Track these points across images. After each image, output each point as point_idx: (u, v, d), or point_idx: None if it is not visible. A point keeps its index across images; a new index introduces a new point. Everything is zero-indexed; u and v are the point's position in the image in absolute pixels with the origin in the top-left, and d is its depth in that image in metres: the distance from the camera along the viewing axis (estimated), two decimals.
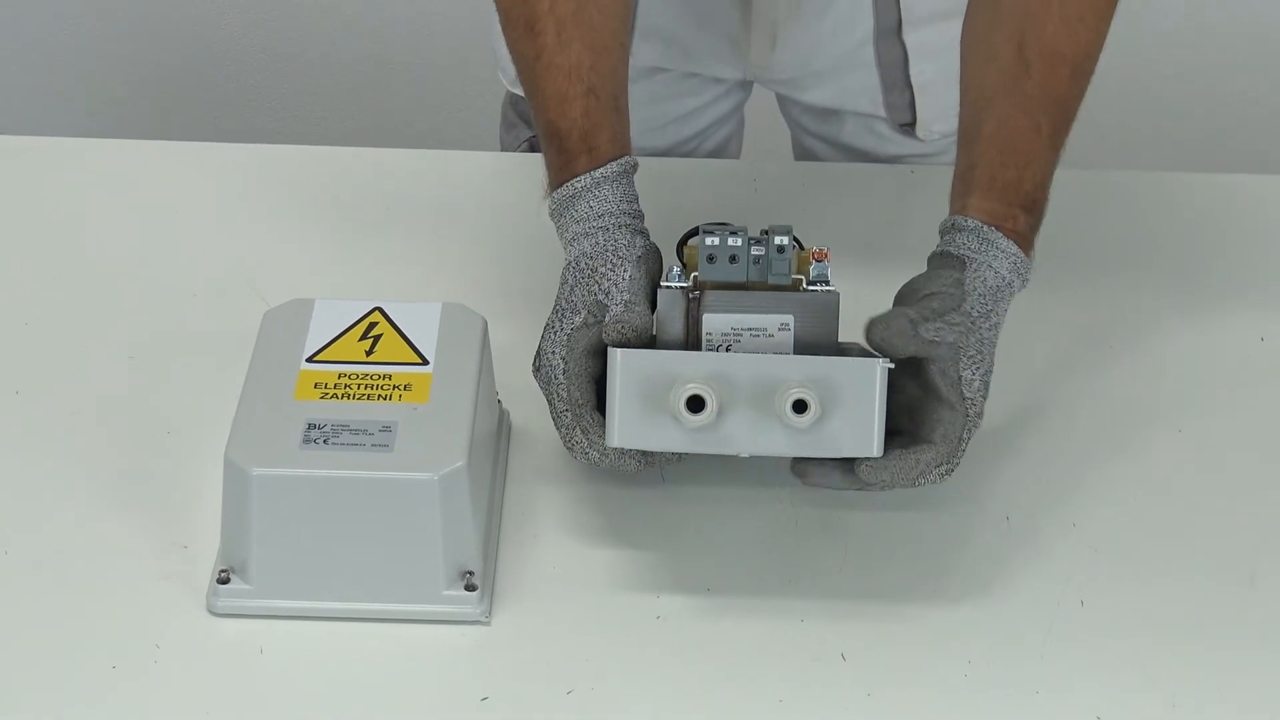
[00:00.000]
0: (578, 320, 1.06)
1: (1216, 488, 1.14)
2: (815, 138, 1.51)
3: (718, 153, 1.53)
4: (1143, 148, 2.18)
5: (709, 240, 1.04)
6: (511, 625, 1.03)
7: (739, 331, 1.04)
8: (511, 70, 1.47)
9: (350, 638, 1.02)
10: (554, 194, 1.11)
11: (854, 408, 1.00)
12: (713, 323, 1.04)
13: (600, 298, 1.06)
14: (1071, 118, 1.11)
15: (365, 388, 1.04)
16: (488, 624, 1.03)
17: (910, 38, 1.40)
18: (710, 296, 1.04)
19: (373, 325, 1.08)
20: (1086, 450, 1.16)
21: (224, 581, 1.02)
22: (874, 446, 1.00)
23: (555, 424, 1.06)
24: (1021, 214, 1.09)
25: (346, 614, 1.02)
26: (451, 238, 1.32)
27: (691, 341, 1.04)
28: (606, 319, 1.04)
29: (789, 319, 1.04)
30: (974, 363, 1.04)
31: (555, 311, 1.07)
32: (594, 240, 1.08)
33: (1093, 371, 1.21)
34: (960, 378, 1.03)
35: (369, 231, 1.33)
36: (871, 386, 1.00)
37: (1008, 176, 1.09)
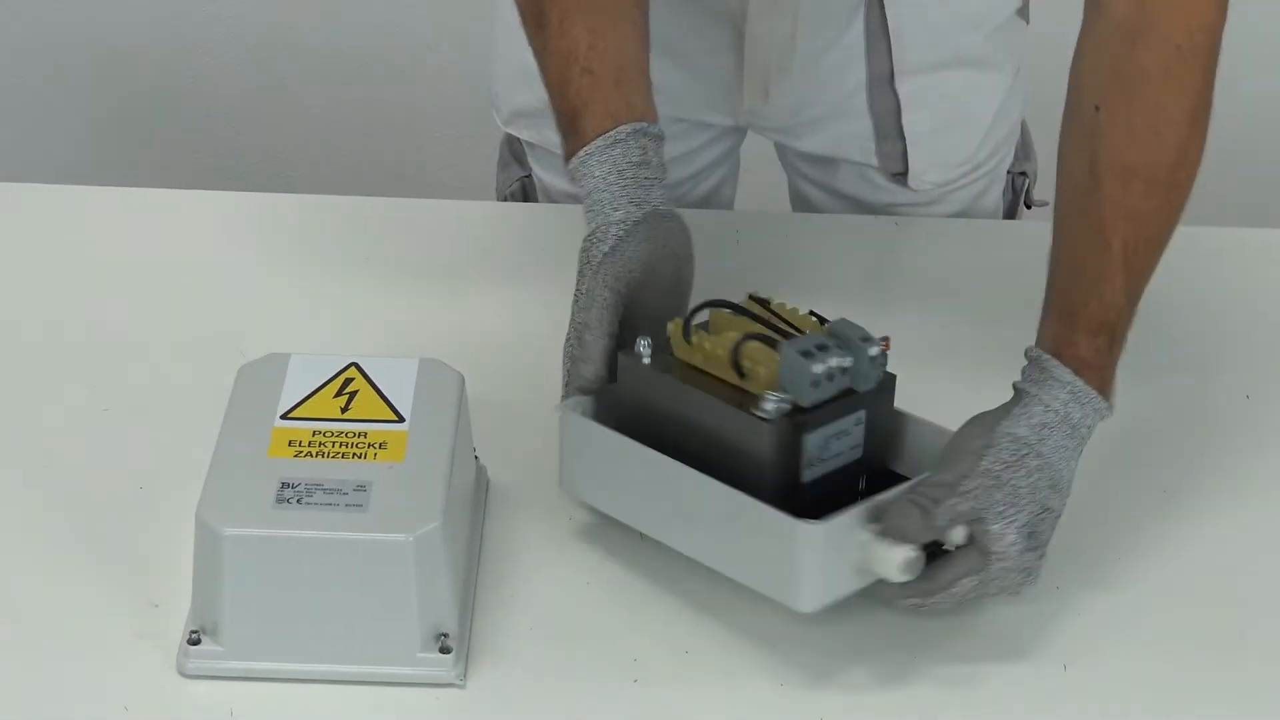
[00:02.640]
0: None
1: (1203, 548, 1.13)
2: (811, 184, 1.50)
3: (712, 196, 1.53)
4: None
5: (816, 369, 0.99)
6: (487, 688, 1.01)
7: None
8: (506, 109, 1.47)
9: (323, 700, 1.00)
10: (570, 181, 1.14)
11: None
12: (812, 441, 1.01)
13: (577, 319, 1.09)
14: (1154, 232, 1.06)
15: (340, 445, 1.03)
16: (463, 687, 1.01)
17: (903, 87, 1.40)
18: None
19: (349, 381, 1.07)
20: (1071, 511, 1.14)
21: (195, 642, 1.01)
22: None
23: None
24: (1084, 338, 1.05)
25: (319, 676, 1.01)
26: (431, 290, 1.31)
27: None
28: (568, 351, 1.08)
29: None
30: (1004, 516, 1.00)
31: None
32: (588, 229, 1.11)
33: None
34: (988, 532, 1.00)
35: (349, 282, 1.31)
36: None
37: (1073, 300, 1.05)
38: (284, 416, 1.05)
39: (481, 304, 1.29)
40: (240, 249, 1.35)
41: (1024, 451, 1.02)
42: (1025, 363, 1.07)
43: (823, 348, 1.00)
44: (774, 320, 1.05)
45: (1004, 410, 1.04)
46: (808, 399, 1.00)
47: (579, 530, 1.11)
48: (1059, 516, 1.04)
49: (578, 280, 1.10)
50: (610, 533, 1.10)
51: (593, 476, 1.07)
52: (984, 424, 1.03)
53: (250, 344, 1.19)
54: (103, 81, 2.46)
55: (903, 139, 1.43)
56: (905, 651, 1.04)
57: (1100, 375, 1.05)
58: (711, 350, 1.03)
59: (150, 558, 1.08)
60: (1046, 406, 1.03)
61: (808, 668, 1.03)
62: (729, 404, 1.01)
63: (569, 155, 1.13)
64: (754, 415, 1.00)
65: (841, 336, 1.02)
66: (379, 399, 1.06)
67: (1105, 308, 1.05)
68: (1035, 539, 1.02)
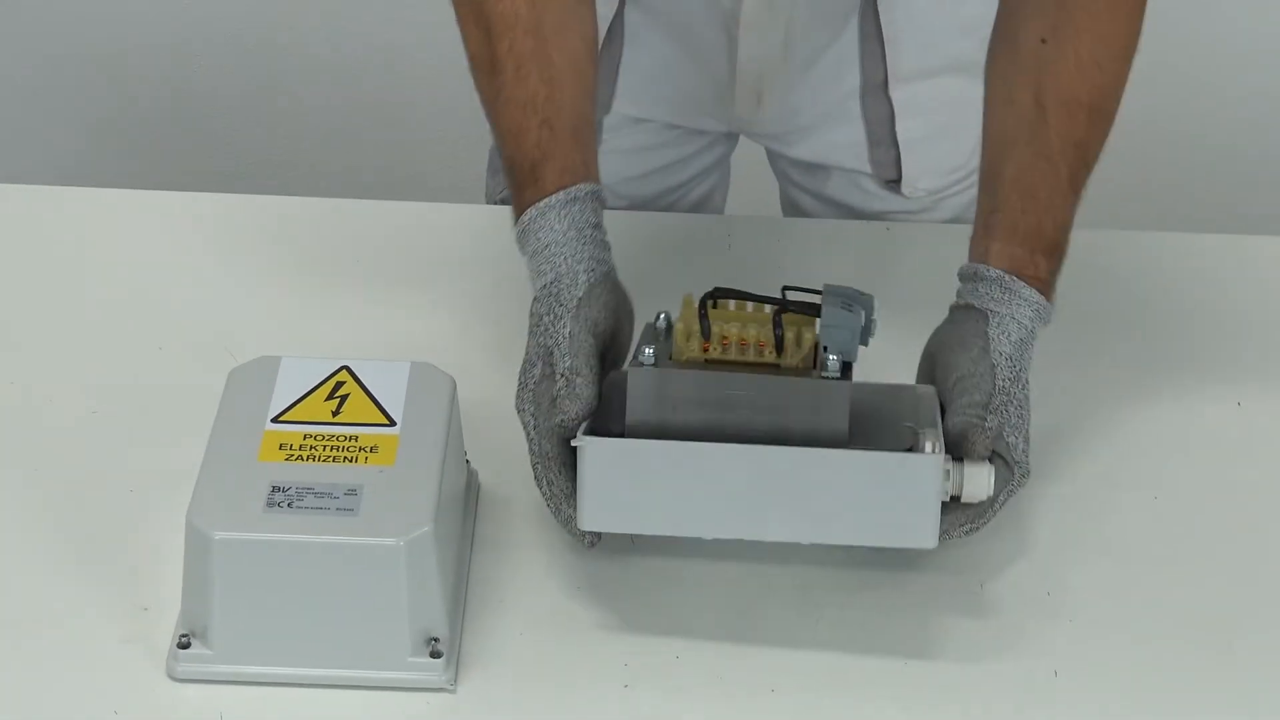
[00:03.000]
0: (536, 373, 1.06)
1: (1193, 555, 1.13)
2: (802, 191, 1.50)
3: (702, 203, 1.53)
4: (1113, 206, 2.17)
5: (859, 324, 1.03)
6: (478, 693, 1.01)
7: None
8: None
9: (313, 705, 1.00)
10: (515, 229, 1.11)
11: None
12: None
13: (551, 350, 1.06)
14: (1091, 161, 1.12)
15: (331, 449, 1.03)
16: (453, 691, 1.01)
17: (897, 94, 1.40)
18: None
19: (340, 385, 1.07)
20: (1061, 517, 1.14)
21: (185, 646, 1.00)
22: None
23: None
24: (1043, 259, 1.10)
25: (309, 680, 1.00)
26: (423, 293, 1.30)
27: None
28: (555, 396, 1.03)
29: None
30: (1016, 429, 1.06)
31: (524, 360, 1.07)
32: (542, 280, 1.08)
33: (1067, 437, 1.20)
34: (1008, 444, 1.06)
35: (340, 285, 1.31)
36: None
37: (1029, 223, 1.10)
38: (275, 420, 1.04)
39: (473, 307, 1.29)
40: (231, 251, 1.35)
41: (1018, 368, 1.08)
42: (971, 278, 1.11)
43: (848, 307, 1.04)
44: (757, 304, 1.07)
45: (977, 329, 1.08)
46: (854, 355, 1.04)
47: (569, 536, 1.10)
48: None
49: (545, 325, 1.06)
50: (600, 540, 1.10)
51: (631, 501, 1.01)
52: (974, 349, 1.08)
53: (241, 347, 1.19)
54: (94, 84, 2.46)
55: (896, 146, 1.42)
56: (896, 656, 1.04)
57: (1051, 295, 1.11)
58: (741, 332, 1.04)
59: (140, 561, 1.07)
60: (1020, 324, 1.09)
61: (799, 672, 1.03)
62: (790, 374, 1.03)
63: (524, 205, 1.10)
64: (823, 378, 1.02)
65: (846, 297, 1.05)
66: (370, 402, 1.06)
67: (1057, 229, 1.11)
68: (1028, 443, 1.08)
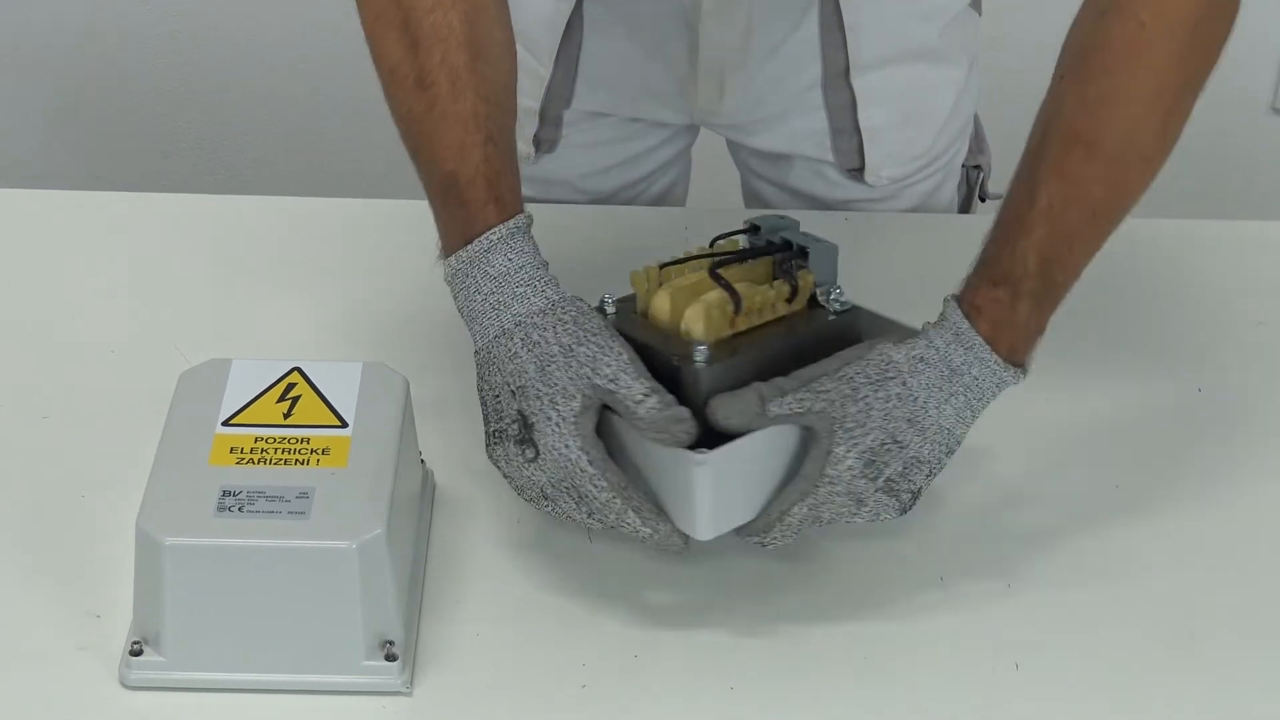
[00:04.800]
0: (576, 405, 0.99)
1: (1154, 543, 1.12)
2: (764, 181, 1.50)
3: (664, 196, 1.52)
4: None
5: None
6: (434, 696, 1.00)
7: None
8: None
9: (267, 710, 0.99)
10: (459, 253, 1.04)
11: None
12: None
13: (599, 381, 0.99)
14: (1095, 200, 1.04)
15: (282, 452, 1.02)
16: (409, 694, 1.00)
17: (858, 82, 1.39)
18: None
19: (291, 386, 1.06)
20: (1021, 508, 1.14)
21: (136, 653, 1.00)
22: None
23: (591, 513, 1.00)
24: (985, 287, 1.03)
25: (263, 685, 1.00)
26: (376, 291, 1.29)
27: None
28: (641, 416, 0.98)
29: None
30: (851, 436, 0.99)
31: (535, 397, 1.00)
32: (541, 300, 1.02)
33: (1027, 425, 1.19)
34: (830, 453, 0.99)
35: (292, 284, 1.30)
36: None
37: (988, 252, 1.05)
38: (225, 423, 1.03)
39: (426, 305, 1.27)
40: (180, 252, 1.34)
41: (891, 375, 1.00)
42: None
43: (813, 237, 1.07)
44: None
45: (876, 341, 1.03)
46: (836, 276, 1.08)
47: (526, 535, 1.10)
48: (933, 468, 1.02)
49: (580, 357, 0.99)
50: (558, 537, 1.09)
51: (735, 499, 1.00)
52: (863, 345, 1.03)
53: (191, 349, 1.18)
54: (39, 83, 2.43)
55: (859, 134, 1.42)
56: (857, 653, 1.04)
57: (996, 328, 1.03)
58: (756, 296, 1.03)
59: (91, 567, 1.06)
60: (929, 343, 1.02)
61: (756, 672, 1.02)
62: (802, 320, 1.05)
63: (478, 221, 1.03)
64: (839, 313, 1.05)
65: (782, 226, 1.07)
66: (322, 404, 1.05)
67: (1013, 260, 1.03)
68: (874, 469, 1.00)
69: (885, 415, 1.00)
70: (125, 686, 0.99)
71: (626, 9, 1.37)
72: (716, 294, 1.02)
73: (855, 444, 0.99)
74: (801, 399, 0.98)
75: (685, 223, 1.40)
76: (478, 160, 1.04)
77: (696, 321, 1.01)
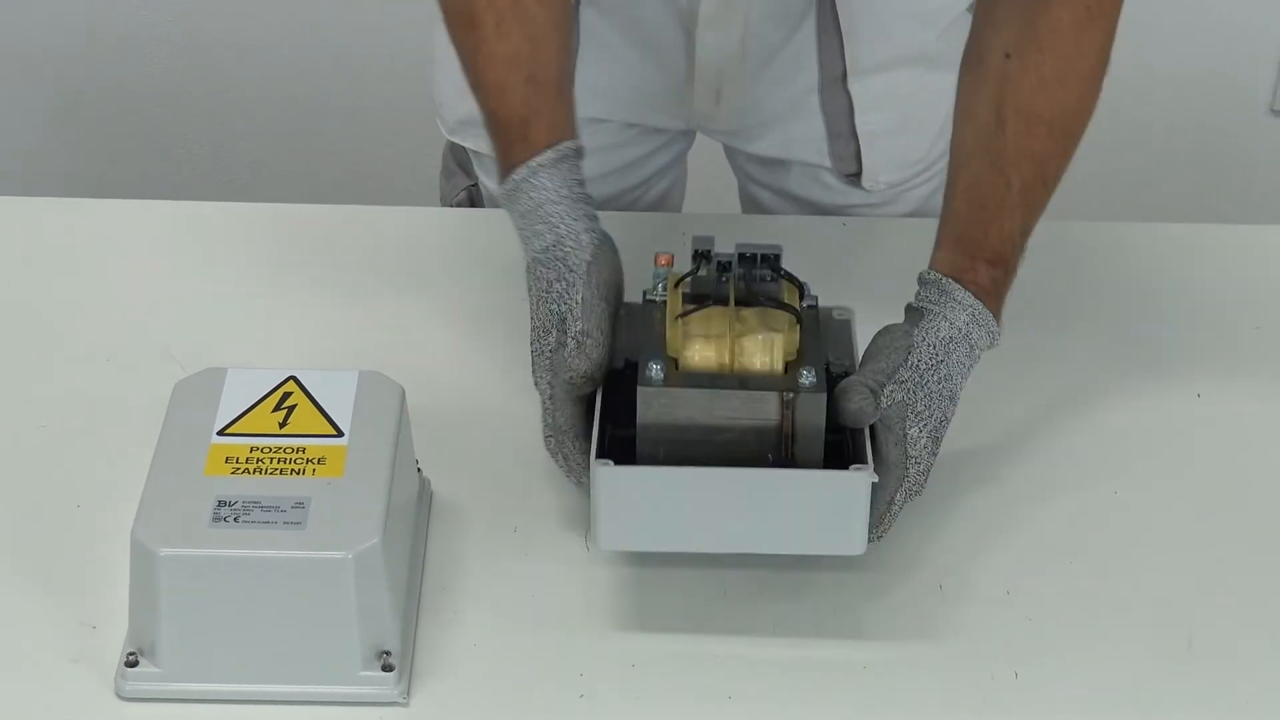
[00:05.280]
0: (551, 340, 1.06)
1: (1153, 551, 1.12)
2: (761, 187, 1.49)
3: (661, 202, 1.52)
4: (1069, 197, 2.17)
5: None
6: (431, 706, 1.00)
7: None
8: (451, 118, 1.46)
9: None
10: (501, 186, 1.11)
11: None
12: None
13: (564, 316, 1.06)
14: (1049, 176, 1.12)
15: (278, 462, 1.01)
16: (406, 705, 1.00)
17: (855, 87, 1.39)
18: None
19: (287, 395, 1.05)
20: (1021, 515, 1.13)
21: (132, 664, 0.99)
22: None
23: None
24: (984, 267, 1.10)
25: (259, 697, 0.99)
26: (373, 299, 1.29)
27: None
28: (564, 356, 1.04)
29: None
30: (921, 419, 1.05)
31: (532, 328, 1.07)
32: (541, 241, 1.08)
33: (1026, 432, 1.19)
34: (906, 436, 1.04)
35: (289, 293, 1.30)
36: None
37: (973, 232, 1.11)
38: (220, 433, 1.03)
39: (423, 314, 1.27)
40: (176, 260, 1.33)
41: (939, 359, 1.07)
42: (918, 284, 1.11)
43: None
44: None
45: (909, 325, 1.09)
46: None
47: (523, 544, 1.09)
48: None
49: (556, 291, 1.06)
50: (554, 547, 1.09)
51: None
52: (898, 331, 1.08)
53: (187, 358, 1.18)
54: (36, 89, 2.43)
55: (856, 139, 1.42)
56: (855, 662, 1.03)
57: (995, 304, 1.10)
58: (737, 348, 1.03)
59: (87, 578, 1.06)
60: (951, 324, 1.08)
61: (754, 681, 1.02)
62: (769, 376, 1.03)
63: (514, 163, 1.11)
64: (802, 388, 1.02)
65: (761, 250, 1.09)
66: (317, 413, 1.04)
67: (1003, 241, 1.10)
68: (936, 444, 1.06)
69: (939, 395, 1.06)
70: (120, 698, 0.99)
71: (623, 15, 1.37)
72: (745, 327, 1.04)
73: (925, 425, 1.05)
74: (892, 392, 1.04)
75: (683, 228, 1.40)
76: (516, 102, 1.10)
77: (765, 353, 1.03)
